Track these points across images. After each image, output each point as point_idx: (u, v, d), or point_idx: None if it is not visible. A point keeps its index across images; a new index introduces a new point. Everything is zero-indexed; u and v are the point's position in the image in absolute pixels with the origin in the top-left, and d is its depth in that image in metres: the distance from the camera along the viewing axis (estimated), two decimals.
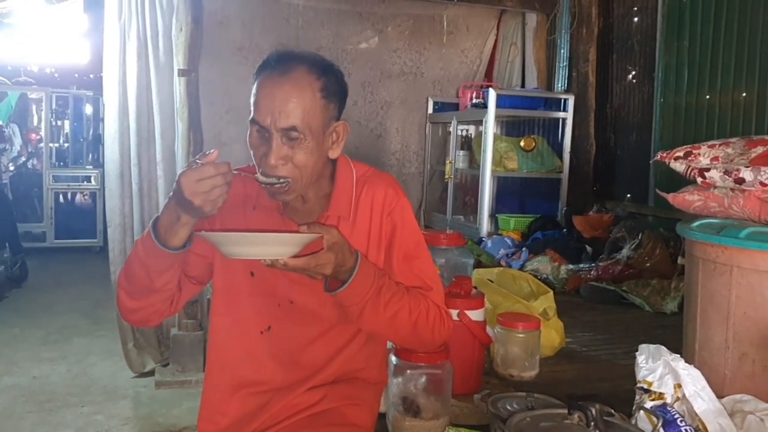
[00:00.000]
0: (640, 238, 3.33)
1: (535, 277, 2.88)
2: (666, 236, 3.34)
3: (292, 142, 1.30)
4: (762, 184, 1.64)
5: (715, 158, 1.74)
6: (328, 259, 1.22)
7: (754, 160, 1.66)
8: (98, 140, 8.48)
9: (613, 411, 1.26)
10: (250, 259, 1.35)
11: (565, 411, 1.24)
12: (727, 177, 1.69)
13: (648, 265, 3.23)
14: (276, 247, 1.19)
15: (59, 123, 8.75)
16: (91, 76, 9.15)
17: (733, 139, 1.79)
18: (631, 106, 4.37)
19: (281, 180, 1.31)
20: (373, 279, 1.31)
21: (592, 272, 3.28)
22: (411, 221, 1.49)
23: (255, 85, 1.33)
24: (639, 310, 2.97)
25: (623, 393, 1.76)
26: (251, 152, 1.36)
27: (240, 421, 1.48)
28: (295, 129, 1.29)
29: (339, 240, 1.23)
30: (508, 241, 3.89)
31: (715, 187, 1.76)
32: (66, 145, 8.73)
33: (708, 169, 1.73)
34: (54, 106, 8.46)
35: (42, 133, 8.28)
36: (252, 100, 1.33)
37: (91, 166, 8.39)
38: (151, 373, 4.17)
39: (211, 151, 1.21)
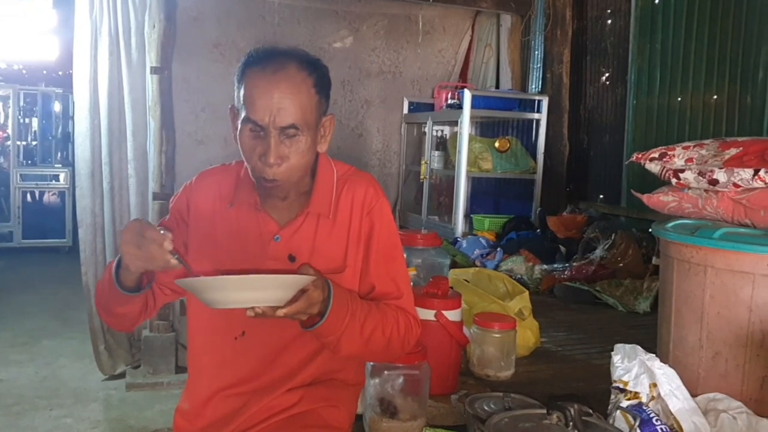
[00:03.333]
0: (613, 238, 3.36)
1: (510, 277, 2.89)
2: (638, 237, 3.37)
3: (290, 139, 1.30)
4: (735, 185, 1.66)
5: (690, 159, 1.76)
6: (318, 297, 1.21)
7: (727, 161, 1.68)
8: (67, 138, 8.33)
9: (591, 411, 1.27)
10: (231, 273, 1.35)
11: (543, 411, 1.24)
12: (701, 178, 1.71)
13: (621, 265, 3.25)
14: (280, 291, 1.14)
15: (27, 121, 8.57)
16: (60, 73, 9.00)
17: (707, 141, 1.81)
18: (604, 108, 4.41)
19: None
20: (347, 304, 1.30)
21: (565, 272, 3.30)
22: (389, 222, 1.49)
23: (244, 83, 1.31)
24: (612, 310, 2.99)
25: (598, 392, 1.77)
26: (242, 151, 1.35)
27: (216, 423, 1.46)
28: (294, 126, 1.29)
29: (318, 274, 1.23)
30: (483, 242, 3.90)
31: (690, 188, 1.78)
32: (34, 143, 8.55)
33: (682, 170, 1.75)
34: (22, 104, 8.28)
35: (9, 130, 8.11)
36: (243, 98, 1.31)
37: (60, 165, 8.24)
38: (122, 375, 4.12)
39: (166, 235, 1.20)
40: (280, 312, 1.16)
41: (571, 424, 1.15)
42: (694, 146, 1.79)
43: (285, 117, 1.28)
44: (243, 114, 1.30)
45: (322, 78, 1.35)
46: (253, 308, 1.14)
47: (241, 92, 1.31)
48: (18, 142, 8.05)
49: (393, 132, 5.28)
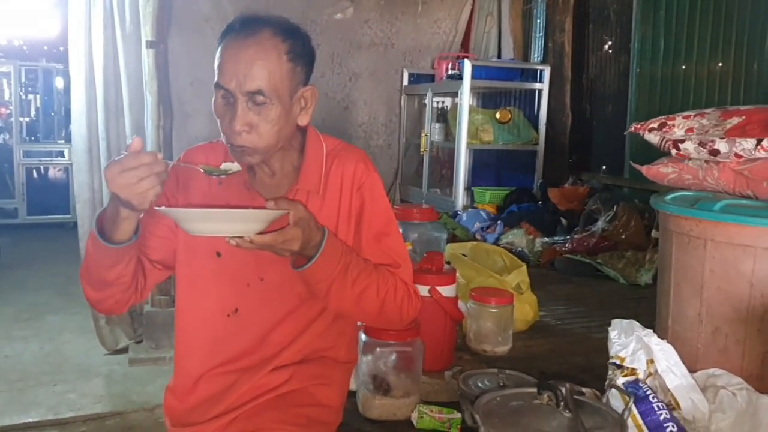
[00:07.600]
0: (615, 210, 3.32)
1: (510, 250, 2.86)
2: (641, 208, 3.33)
3: (258, 107, 1.26)
4: (737, 155, 1.61)
5: (690, 129, 1.71)
6: (295, 235, 1.18)
7: (729, 131, 1.63)
8: (70, 114, 8.27)
9: (583, 390, 1.24)
10: (216, 239, 1.32)
11: (536, 390, 1.21)
12: (701, 148, 1.66)
13: (623, 237, 3.22)
14: (241, 223, 1.15)
15: (29, 97, 8.53)
16: (61, 48, 8.89)
17: (708, 110, 1.76)
18: (607, 77, 4.34)
19: (229, 172, 1.30)
20: (340, 255, 1.28)
21: (566, 245, 3.27)
22: (381, 197, 1.45)
23: (219, 49, 1.29)
24: (613, 283, 2.97)
25: (597, 367, 1.75)
26: (218, 120, 1.32)
27: (207, 402, 1.44)
28: (261, 93, 1.25)
29: (305, 215, 1.20)
30: (484, 214, 3.86)
31: (690, 159, 1.73)
32: (37, 119, 8.52)
33: (682, 141, 1.70)
34: (23, 80, 8.24)
35: (12, 107, 8.07)
36: (216, 64, 1.28)
37: (63, 141, 8.22)
38: (125, 350, 4.12)
39: (133, 137, 1.16)
40: (247, 239, 1.14)
41: (562, 403, 1.12)
42: (695, 116, 1.74)
43: (250, 82, 1.24)
44: (215, 80, 1.28)
45: (298, 45, 1.30)
46: (231, 238, 1.14)
47: (216, 58, 1.28)
48: (21, 119, 8.01)
49: (381, 104, 5.19)
